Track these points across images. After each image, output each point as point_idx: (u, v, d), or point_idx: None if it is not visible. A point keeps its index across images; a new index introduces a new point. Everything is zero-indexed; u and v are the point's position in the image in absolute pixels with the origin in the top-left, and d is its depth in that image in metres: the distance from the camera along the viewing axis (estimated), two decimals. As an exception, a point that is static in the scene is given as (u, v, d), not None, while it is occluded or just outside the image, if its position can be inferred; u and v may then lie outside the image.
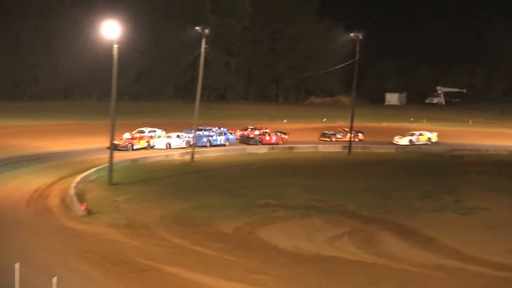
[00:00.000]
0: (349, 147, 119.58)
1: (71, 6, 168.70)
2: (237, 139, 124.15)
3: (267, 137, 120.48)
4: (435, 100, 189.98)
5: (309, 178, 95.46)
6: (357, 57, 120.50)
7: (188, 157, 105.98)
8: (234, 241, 63.21)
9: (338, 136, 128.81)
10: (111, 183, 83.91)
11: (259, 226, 68.22)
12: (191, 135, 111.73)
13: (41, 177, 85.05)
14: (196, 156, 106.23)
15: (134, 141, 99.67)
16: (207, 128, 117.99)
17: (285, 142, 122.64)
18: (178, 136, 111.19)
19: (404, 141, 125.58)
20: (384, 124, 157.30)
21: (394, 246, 63.53)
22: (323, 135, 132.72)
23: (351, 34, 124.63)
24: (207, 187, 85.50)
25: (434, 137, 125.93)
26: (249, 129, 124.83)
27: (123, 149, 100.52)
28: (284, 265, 56.21)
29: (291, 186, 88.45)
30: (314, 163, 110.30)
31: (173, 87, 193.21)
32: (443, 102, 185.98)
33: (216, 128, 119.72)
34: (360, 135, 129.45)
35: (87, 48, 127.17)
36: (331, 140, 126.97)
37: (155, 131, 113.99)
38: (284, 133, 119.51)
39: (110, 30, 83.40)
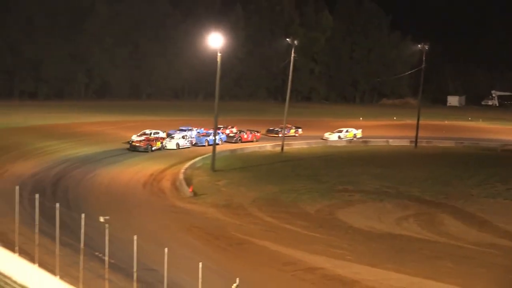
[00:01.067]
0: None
1: (182, 20, 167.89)
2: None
3: (245, 135, 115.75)
4: (490, 102, 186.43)
5: (380, 167, 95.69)
6: (423, 66, 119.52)
7: (278, 149, 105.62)
8: (316, 220, 64.28)
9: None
10: (213, 169, 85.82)
11: (338, 208, 69.12)
12: (193, 134, 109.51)
13: (155, 164, 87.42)
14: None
15: (153, 142, 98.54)
16: (188, 128, 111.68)
17: (258, 139, 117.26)
18: (183, 137, 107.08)
19: (333, 137, 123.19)
20: (446, 122, 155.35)
21: (453, 227, 63.84)
22: (270, 131, 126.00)
23: (418, 46, 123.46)
24: (293, 174, 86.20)
25: (359, 133, 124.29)
26: (222, 128, 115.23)
27: (143, 150, 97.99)
28: (358, 241, 57.03)
29: (364, 174, 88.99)
30: (384, 155, 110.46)
31: (266, 89, 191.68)
32: (497, 104, 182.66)
33: (196, 129, 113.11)
34: (300, 131, 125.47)
35: (195, 55, 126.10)
36: (278, 136, 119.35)
37: (158, 132, 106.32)
38: (257, 131, 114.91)
39: (215, 40, 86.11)
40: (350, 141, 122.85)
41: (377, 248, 54.95)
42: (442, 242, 58.03)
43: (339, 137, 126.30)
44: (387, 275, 47.76)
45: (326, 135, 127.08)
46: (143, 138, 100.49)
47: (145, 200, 68.96)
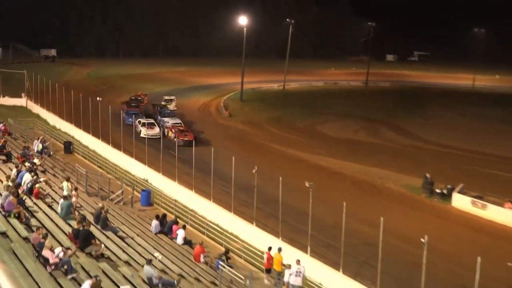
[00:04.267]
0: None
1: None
2: None
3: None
4: (412, 59, 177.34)
5: (344, 98, 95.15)
6: (371, 36, 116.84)
7: (281, 87, 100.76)
8: (304, 131, 66.78)
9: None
10: (241, 100, 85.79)
11: (317, 124, 71.20)
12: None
13: (205, 97, 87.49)
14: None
15: None
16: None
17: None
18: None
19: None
20: (387, 71, 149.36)
21: (389, 135, 66.87)
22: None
23: (369, 23, 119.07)
24: (290, 104, 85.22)
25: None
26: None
27: None
28: (329, 144, 59.75)
29: (335, 103, 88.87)
30: (347, 91, 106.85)
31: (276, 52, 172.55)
32: (417, 60, 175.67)
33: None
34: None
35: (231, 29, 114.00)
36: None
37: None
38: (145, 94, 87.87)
39: (243, 20, 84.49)
40: (335, 83, 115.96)
41: (341, 148, 58.13)
42: (381, 144, 61.55)
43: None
44: (347, 164, 50.70)
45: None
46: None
47: (201, 118, 70.51)
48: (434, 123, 73.97)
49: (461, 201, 39.91)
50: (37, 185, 28.30)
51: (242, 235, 31.10)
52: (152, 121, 56.86)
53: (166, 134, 53.20)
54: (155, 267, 21.89)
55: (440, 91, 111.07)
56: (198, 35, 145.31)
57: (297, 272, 24.62)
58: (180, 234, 29.19)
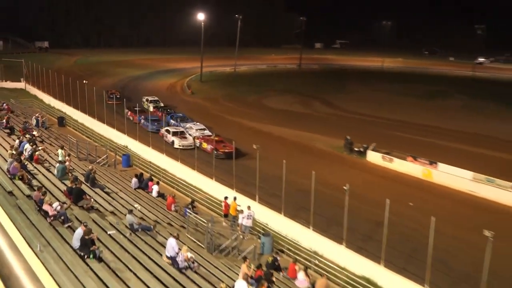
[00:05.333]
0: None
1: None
2: None
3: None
4: (335, 46, 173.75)
5: (282, 78, 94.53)
6: (302, 29, 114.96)
7: (233, 69, 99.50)
8: (252, 105, 66.13)
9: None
10: (201, 81, 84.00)
11: (262, 98, 70.61)
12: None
13: (172, 79, 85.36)
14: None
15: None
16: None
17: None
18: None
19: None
20: (316, 56, 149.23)
21: (318, 107, 66.63)
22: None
23: (301, 18, 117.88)
24: (240, 83, 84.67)
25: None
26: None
27: None
28: (272, 114, 59.59)
29: (275, 82, 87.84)
30: (284, 72, 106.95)
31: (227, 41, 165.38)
32: (339, 47, 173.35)
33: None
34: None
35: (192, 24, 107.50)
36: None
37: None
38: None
39: (201, 15, 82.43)
40: (267, 66, 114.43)
41: (281, 117, 57.87)
42: (312, 114, 61.64)
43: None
44: (286, 130, 50.77)
45: None
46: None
47: (168, 96, 68.98)
48: (353, 96, 74.18)
49: (374, 157, 40.77)
50: (36, 153, 28.17)
51: (204, 188, 31.18)
52: (181, 129, 43.08)
53: (199, 145, 39.44)
54: (135, 215, 22.02)
55: (356, 71, 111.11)
56: (165, 28, 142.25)
57: (248, 215, 25.03)
58: (155, 189, 29.29)
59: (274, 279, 19.16)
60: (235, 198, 26.70)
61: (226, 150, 36.65)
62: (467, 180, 35.14)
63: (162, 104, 56.57)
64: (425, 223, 19.82)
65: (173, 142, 40.32)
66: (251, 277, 17.89)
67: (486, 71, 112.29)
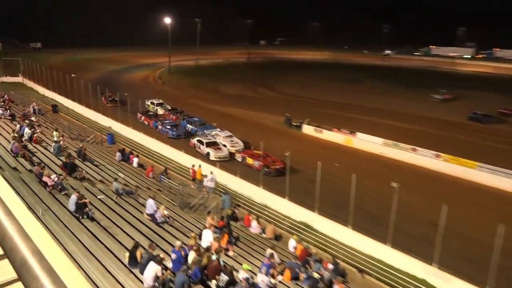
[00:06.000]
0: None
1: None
2: None
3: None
4: (276, 43, 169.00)
5: (234, 68, 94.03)
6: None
7: (195, 62, 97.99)
8: (211, 91, 64.56)
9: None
10: (170, 72, 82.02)
11: (219, 86, 69.20)
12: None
13: (145, 71, 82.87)
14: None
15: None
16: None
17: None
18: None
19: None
20: (260, 51, 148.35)
21: (264, 92, 66.33)
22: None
23: (248, 20, 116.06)
24: (201, 74, 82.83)
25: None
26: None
27: None
28: (227, 99, 58.26)
29: (230, 72, 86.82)
30: (236, 64, 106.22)
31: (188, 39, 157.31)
32: (278, 43, 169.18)
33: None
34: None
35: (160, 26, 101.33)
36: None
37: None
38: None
39: (167, 19, 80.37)
40: (223, 59, 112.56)
41: (235, 100, 57.03)
42: (258, 97, 61.32)
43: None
44: (239, 110, 50.42)
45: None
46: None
47: (143, 85, 66.96)
48: (291, 82, 74.13)
49: (308, 129, 41.20)
50: (35, 135, 27.19)
51: (175, 158, 30.83)
52: (212, 139, 33.26)
53: (241, 160, 30.28)
54: (120, 182, 21.63)
55: (293, 62, 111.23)
56: (140, 28, 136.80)
57: (211, 179, 25.03)
58: (135, 160, 28.72)
59: (233, 227, 19.31)
60: (200, 166, 26.66)
61: (277, 167, 28.40)
62: (378, 145, 36.19)
63: (169, 107, 46.39)
64: (348, 179, 20.41)
65: (208, 153, 31.34)
66: (215, 227, 18.02)
67: (391, 61, 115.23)
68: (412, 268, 17.85)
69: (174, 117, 42.17)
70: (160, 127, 38.03)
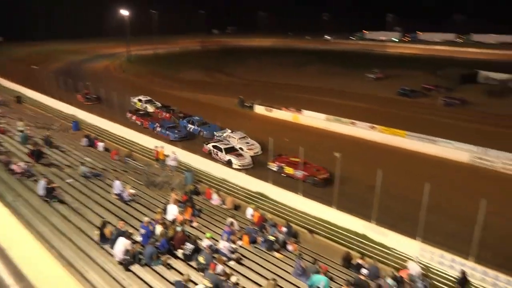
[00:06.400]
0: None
1: None
2: None
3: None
4: (227, 31, 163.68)
5: (192, 57, 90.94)
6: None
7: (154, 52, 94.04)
8: (170, 78, 62.20)
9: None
10: (130, 61, 78.88)
11: (178, 73, 66.38)
12: None
13: (107, 61, 78.71)
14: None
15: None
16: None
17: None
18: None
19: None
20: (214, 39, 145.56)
21: (220, 77, 64.59)
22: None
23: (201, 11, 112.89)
24: (162, 62, 79.45)
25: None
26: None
27: None
28: (186, 84, 56.29)
29: (188, 61, 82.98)
30: (192, 52, 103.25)
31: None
32: (230, 32, 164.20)
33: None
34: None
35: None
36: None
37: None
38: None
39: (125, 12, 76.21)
40: (179, 48, 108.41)
41: (193, 86, 55.08)
42: (214, 82, 60.35)
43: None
44: (197, 95, 49.16)
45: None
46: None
47: (106, 74, 63.86)
48: (245, 67, 72.78)
49: (259, 109, 41.18)
50: (1, 125, 25.65)
51: (138, 141, 29.92)
52: (230, 144, 27.58)
53: (277, 169, 24.19)
54: (87, 166, 20.77)
55: (244, 49, 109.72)
56: (101, 21, 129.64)
57: (173, 158, 24.69)
58: (101, 145, 27.72)
59: (195, 201, 19.10)
60: (162, 147, 26.14)
61: (325, 176, 23.31)
62: (322, 120, 36.90)
63: (159, 104, 39.95)
64: (296, 151, 20.77)
65: (229, 161, 25.64)
66: (180, 201, 17.85)
67: (331, 45, 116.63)
68: (354, 226, 18.51)
69: (167, 115, 36.51)
70: (158, 129, 32.01)
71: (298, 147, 20.27)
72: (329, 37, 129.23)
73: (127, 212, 16.28)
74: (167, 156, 25.08)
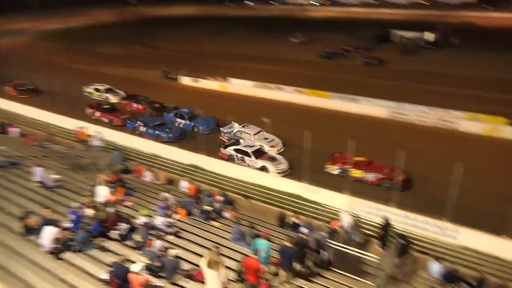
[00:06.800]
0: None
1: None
2: None
3: None
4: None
5: (113, 27, 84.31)
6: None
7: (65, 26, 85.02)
8: (90, 54, 55.95)
9: None
10: (40, 38, 70.43)
11: (97, 47, 60.49)
12: None
13: (11, 39, 67.30)
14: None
15: None
16: None
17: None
18: None
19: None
20: None
21: (141, 49, 60.69)
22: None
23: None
24: (76, 37, 71.24)
25: None
26: None
27: None
28: (107, 59, 51.90)
29: (106, 33, 76.72)
30: (113, 25, 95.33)
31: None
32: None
33: None
34: None
35: None
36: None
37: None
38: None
39: None
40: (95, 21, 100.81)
41: (115, 60, 50.47)
42: (136, 56, 55.83)
43: None
44: (120, 69, 45.11)
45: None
46: None
47: (14, 53, 54.61)
48: (166, 38, 69.66)
49: (184, 80, 40.40)
50: None
51: (57, 123, 27.76)
52: (257, 145, 22.11)
53: (339, 172, 20.11)
54: (2, 155, 19.09)
55: (166, 18, 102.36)
56: None
57: (99, 138, 23.60)
58: (15, 131, 25.46)
59: (127, 180, 18.57)
60: (84, 127, 24.80)
61: (404, 177, 18.54)
62: (249, 87, 37.13)
63: (123, 93, 32.59)
64: (225, 120, 20.70)
65: (264, 168, 20.70)
66: (110, 182, 17.18)
67: (253, 12, 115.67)
68: (288, 187, 19.21)
69: (140, 107, 29.86)
70: (142, 128, 25.66)
71: (227, 114, 20.25)
72: (251, 3, 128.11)
73: (52, 200, 15.28)
74: (91, 136, 23.86)
